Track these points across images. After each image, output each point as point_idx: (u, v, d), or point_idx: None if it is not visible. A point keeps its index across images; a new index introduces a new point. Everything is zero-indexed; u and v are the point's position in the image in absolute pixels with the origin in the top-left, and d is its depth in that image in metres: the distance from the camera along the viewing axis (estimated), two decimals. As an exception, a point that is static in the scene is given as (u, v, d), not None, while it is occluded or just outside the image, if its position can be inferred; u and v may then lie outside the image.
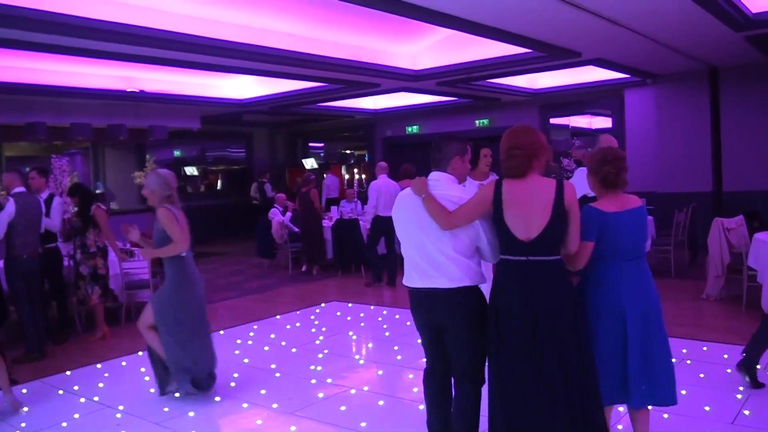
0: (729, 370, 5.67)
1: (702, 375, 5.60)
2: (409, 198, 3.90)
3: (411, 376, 5.96)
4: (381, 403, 5.32)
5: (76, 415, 5.37)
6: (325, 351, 6.93)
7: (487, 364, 3.75)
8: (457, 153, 3.94)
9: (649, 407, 3.92)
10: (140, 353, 6.92)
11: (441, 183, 3.87)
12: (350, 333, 7.75)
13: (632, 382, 3.74)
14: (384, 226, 10.00)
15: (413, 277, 3.90)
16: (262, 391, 5.73)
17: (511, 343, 3.58)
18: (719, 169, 13.10)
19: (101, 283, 7.95)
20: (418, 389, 5.34)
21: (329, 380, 5.95)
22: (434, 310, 3.84)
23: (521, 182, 3.62)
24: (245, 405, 5.44)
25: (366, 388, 5.74)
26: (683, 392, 4.99)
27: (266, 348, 7.17)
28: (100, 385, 6.13)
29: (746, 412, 4.77)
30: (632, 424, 3.95)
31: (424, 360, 4.10)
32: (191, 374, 5.49)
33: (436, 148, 3.97)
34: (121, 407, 5.49)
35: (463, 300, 3.77)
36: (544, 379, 3.49)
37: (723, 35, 9.70)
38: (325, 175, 18.96)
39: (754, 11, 9.08)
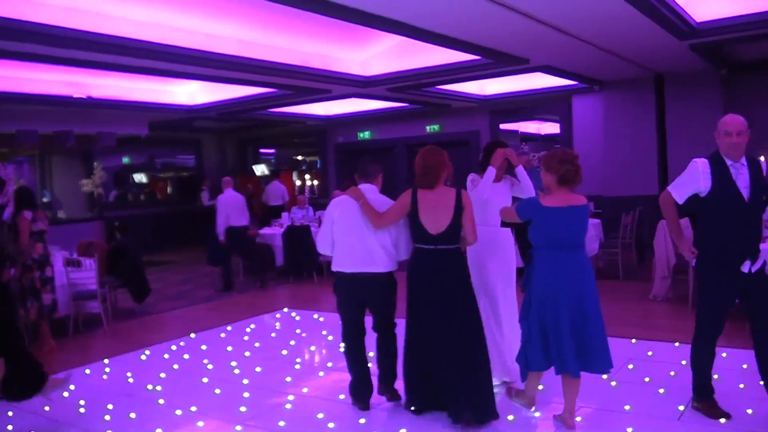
0: (672, 373, 5.78)
1: (647, 377, 5.70)
2: (350, 202, 5.10)
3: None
4: (321, 416, 5.28)
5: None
6: (279, 355, 6.89)
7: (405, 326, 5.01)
8: (380, 171, 5.37)
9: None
10: (87, 371, 6.78)
11: (371, 192, 5.17)
12: (299, 340, 7.71)
13: (568, 355, 4.43)
14: (237, 236, 10.85)
15: (347, 264, 5.12)
16: (243, 408, 5.65)
17: (423, 310, 4.86)
18: (665, 173, 13.38)
19: (38, 297, 7.64)
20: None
21: (278, 387, 5.92)
22: (364, 289, 5.13)
23: (432, 192, 4.89)
24: (193, 409, 5.38)
25: (307, 392, 5.73)
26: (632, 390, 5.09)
27: (205, 360, 7.08)
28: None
29: (680, 408, 4.88)
30: (563, 389, 4.65)
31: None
32: None
33: (364, 168, 5.33)
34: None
35: (387, 281, 5.13)
36: (445, 339, 4.76)
37: (668, 44, 9.92)
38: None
39: (698, 21, 9.31)
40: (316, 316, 8.89)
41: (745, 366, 5.81)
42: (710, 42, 9.98)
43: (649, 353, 6.40)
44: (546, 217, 4.47)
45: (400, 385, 5.24)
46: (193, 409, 5.44)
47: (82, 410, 5.59)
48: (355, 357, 5.28)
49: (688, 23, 9.07)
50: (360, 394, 5.27)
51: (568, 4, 7.80)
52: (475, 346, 4.78)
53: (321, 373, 6.34)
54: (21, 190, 7.55)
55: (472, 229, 4.87)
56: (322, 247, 5.34)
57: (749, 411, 4.78)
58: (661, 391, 5.33)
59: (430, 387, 4.91)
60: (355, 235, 5.06)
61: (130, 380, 6.35)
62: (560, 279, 4.45)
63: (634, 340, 6.79)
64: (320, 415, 5.12)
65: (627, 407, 4.99)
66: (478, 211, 5.16)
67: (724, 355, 6.03)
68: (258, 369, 6.51)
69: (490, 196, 5.38)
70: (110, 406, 5.61)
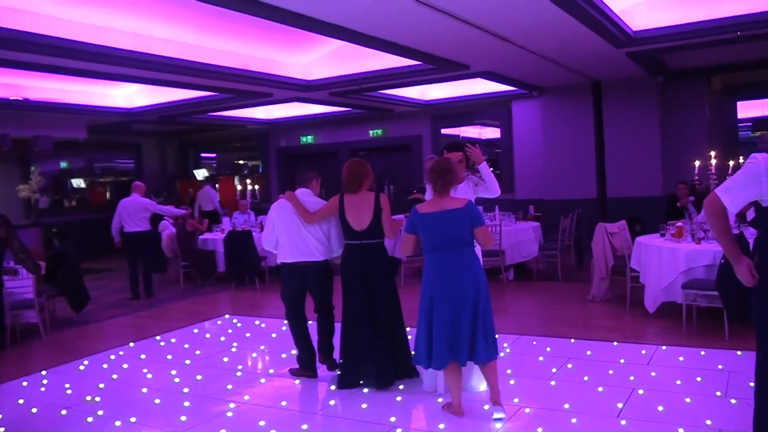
0: (611, 371, 5.91)
1: (586, 376, 5.80)
2: (285, 204, 6.13)
3: (297, 381, 6.04)
4: (263, 423, 5.25)
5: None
6: (220, 363, 6.83)
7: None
8: (314, 177, 6.34)
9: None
10: (25, 383, 6.61)
11: (307, 195, 6.20)
12: (240, 347, 7.64)
13: (462, 345, 4.81)
14: (133, 242, 10.88)
15: (288, 255, 6.14)
16: (183, 418, 5.56)
17: (354, 294, 5.79)
18: (603, 176, 13.67)
19: None
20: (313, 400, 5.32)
21: (219, 395, 5.86)
22: (305, 275, 6.14)
23: (356, 195, 5.81)
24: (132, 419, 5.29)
25: (248, 399, 5.70)
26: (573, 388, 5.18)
27: (145, 369, 6.97)
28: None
29: (619, 406, 4.98)
30: (485, 376, 5.01)
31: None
32: None
33: (301, 175, 6.37)
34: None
35: (323, 268, 6.17)
36: (373, 320, 5.74)
37: (605, 51, 10.16)
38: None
39: (634, 29, 9.56)
40: (257, 322, 8.81)
41: (681, 358, 6.03)
42: (646, 50, 10.27)
43: (588, 353, 6.52)
44: (423, 223, 4.93)
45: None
46: (133, 419, 5.34)
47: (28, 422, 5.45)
48: (299, 335, 6.25)
49: (625, 32, 9.31)
50: (307, 364, 6.25)
51: (506, 12, 7.93)
52: (396, 321, 5.89)
53: (263, 380, 6.27)
54: None
55: (389, 227, 5.82)
56: (268, 245, 6.37)
57: (687, 400, 4.91)
58: (600, 389, 5.44)
59: (359, 358, 5.80)
60: (294, 231, 6.11)
61: (69, 392, 6.19)
62: (441, 278, 4.87)
63: (573, 340, 6.92)
64: (262, 423, 5.08)
65: (566, 406, 5.08)
66: None
67: (663, 347, 6.21)
68: (198, 377, 6.42)
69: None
70: (48, 420, 5.47)
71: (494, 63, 11.02)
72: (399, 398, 5.48)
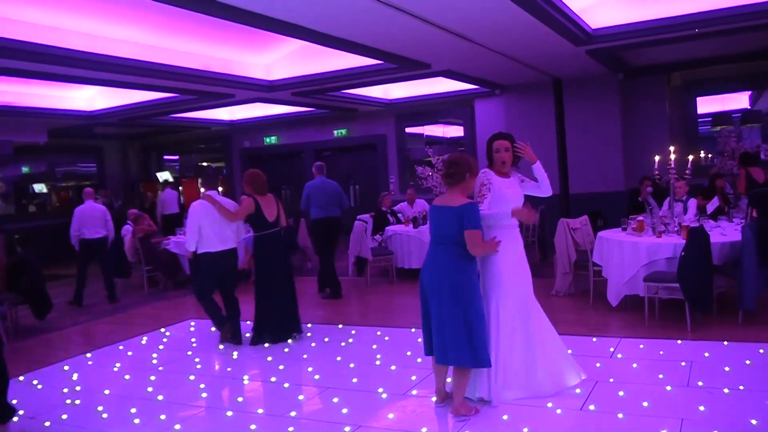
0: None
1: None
2: (207, 204, 7.40)
3: (246, 381, 5.94)
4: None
5: None
6: (177, 369, 6.76)
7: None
8: (219, 179, 8.02)
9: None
10: None
11: (216, 195, 7.59)
12: (205, 352, 7.59)
13: (435, 342, 4.88)
14: (92, 249, 10.90)
15: (213, 245, 7.41)
16: (136, 420, 5.49)
17: (268, 272, 7.46)
18: (565, 173, 13.79)
19: None
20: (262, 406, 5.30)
21: (186, 401, 5.80)
22: (225, 262, 7.55)
23: (265, 197, 7.51)
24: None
25: (210, 404, 5.64)
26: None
27: (105, 374, 6.89)
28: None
29: (583, 397, 5.03)
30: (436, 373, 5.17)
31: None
32: None
33: (209, 178, 8.25)
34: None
35: (236, 254, 7.70)
36: (284, 292, 7.50)
37: (565, 49, 10.25)
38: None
39: (593, 27, 9.66)
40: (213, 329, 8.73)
41: (660, 352, 6.18)
42: (606, 48, 10.38)
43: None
44: (430, 214, 5.10)
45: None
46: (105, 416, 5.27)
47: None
48: (214, 310, 7.63)
49: (584, 30, 9.40)
50: (223, 326, 7.60)
51: (466, 11, 7.96)
52: (294, 289, 7.69)
53: (224, 389, 6.23)
54: None
55: (284, 218, 7.78)
56: (191, 245, 7.46)
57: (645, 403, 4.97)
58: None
59: (278, 322, 7.46)
60: (218, 226, 7.46)
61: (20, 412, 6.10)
62: (424, 268, 4.97)
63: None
64: None
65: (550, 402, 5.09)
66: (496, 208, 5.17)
67: (641, 346, 6.31)
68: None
69: (504, 193, 5.24)
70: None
71: (455, 62, 11.06)
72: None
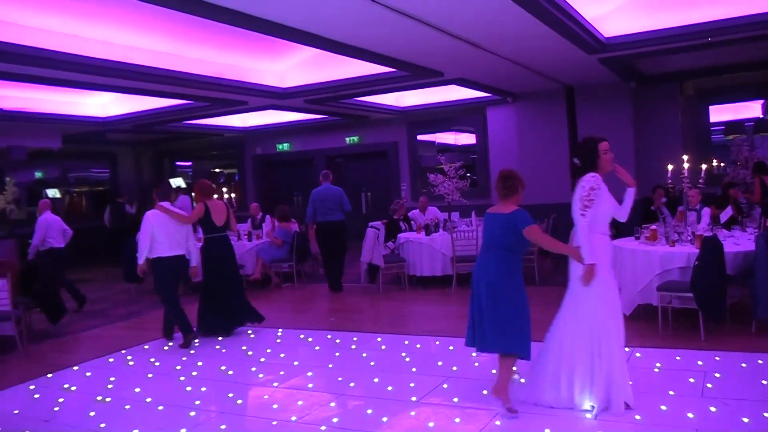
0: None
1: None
2: (160, 213, 8.01)
3: (266, 396, 5.96)
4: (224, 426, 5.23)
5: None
6: (194, 374, 6.79)
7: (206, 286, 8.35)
8: (171, 191, 8.72)
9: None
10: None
11: (168, 205, 8.19)
12: (216, 358, 7.61)
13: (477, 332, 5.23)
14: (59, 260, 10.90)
15: (166, 250, 7.96)
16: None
17: (215, 271, 8.29)
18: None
19: None
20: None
21: (199, 405, 5.83)
22: (177, 265, 8.08)
23: (213, 201, 8.33)
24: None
25: (232, 412, 5.66)
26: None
27: (118, 379, 6.92)
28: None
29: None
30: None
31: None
32: None
33: (164, 190, 8.45)
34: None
35: (184, 260, 8.17)
36: (229, 290, 8.35)
37: (578, 58, 10.26)
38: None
39: (606, 36, 9.65)
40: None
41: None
42: (618, 56, 10.38)
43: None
44: (484, 221, 5.44)
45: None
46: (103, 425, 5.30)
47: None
48: (178, 311, 8.09)
49: (597, 38, 9.40)
50: (189, 332, 8.02)
51: (479, 20, 7.98)
52: (241, 287, 8.65)
53: (230, 395, 6.24)
54: None
55: (234, 223, 8.77)
56: (142, 256, 7.92)
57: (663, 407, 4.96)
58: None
59: (224, 317, 8.34)
60: (171, 232, 8.02)
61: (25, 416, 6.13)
62: (479, 268, 5.31)
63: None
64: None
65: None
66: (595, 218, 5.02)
67: (638, 355, 6.28)
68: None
69: (610, 199, 5.10)
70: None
71: (468, 70, 11.08)
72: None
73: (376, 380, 6.14)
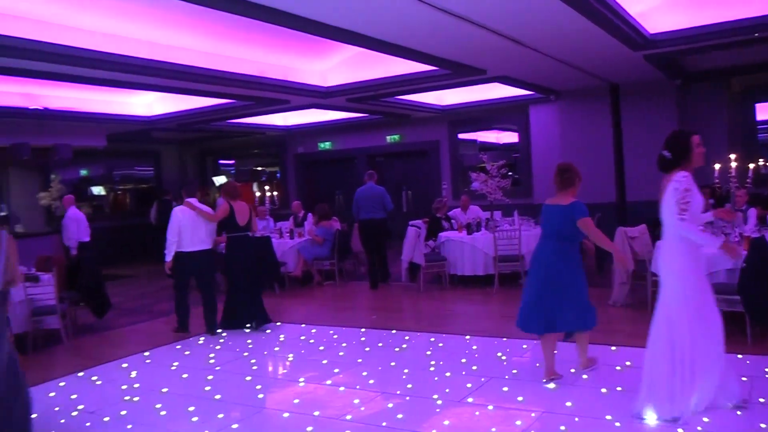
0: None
1: (612, 382, 5.77)
2: (187, 210, 8.54)
3: (301, 381, 5.98)
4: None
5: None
6: (237, 370, 6.86)
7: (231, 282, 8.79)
8: (197, 189, 9.12)
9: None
10: (60, 384, 6.66)
11: (195, 202, 8.64)
12: (258, 353, 7.68)
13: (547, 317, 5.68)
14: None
15: (189, 246, 8.46)
16: (194, 419, 5.61)
17: (236, 269, 8.67)
18: (622, 180, 13.60)
19: None
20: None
21: (241, 401, 5.88)
22: (199, 260, 8.57)
23: (237, 202, 8.65)
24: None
25: (274, 408, 5.71)
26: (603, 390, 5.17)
27: (162, 373, 7.02)
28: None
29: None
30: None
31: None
32: None
33: (189, 188, 9.00)
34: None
35: (210, 254, 8.79)
36: (252, 281, 8.73)
37: (623, 54, 10.11)
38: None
39: (651, 32, 9.51)
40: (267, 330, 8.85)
41: None
42: (664, 53, 10.20)
43: (621, 366, 6.46)
44: (542, 212, 5.98)
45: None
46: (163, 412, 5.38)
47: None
48: (184, 309, 8.74)
49: (642, 34, 9.27)
50: (184, 329, 8.69)
51: (522, 16, 7.92)
52: (257, 285, 8.91)
53: (273, 390, 6.29)
54: None
55: (256, 224, 9.46)
56: (171, 253, 8.42)
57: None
58: (619, 388, 5.44)
59: (248, 313, 8.72)
60: (195, 228, 8.52)
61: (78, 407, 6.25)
62: (538, 255, 5.83)
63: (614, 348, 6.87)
64: None
65: (609, 417, 5.05)
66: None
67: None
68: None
69: (701, 200, 4.94)
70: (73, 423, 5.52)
71: (511, 67, 11.00)
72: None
73: (416, 379, 6.14)
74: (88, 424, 5.58)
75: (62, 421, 5.64)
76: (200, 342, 8.29)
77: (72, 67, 8.92)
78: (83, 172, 19.10)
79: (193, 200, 8.70)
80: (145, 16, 8.48)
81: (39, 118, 12.80)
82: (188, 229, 8.48)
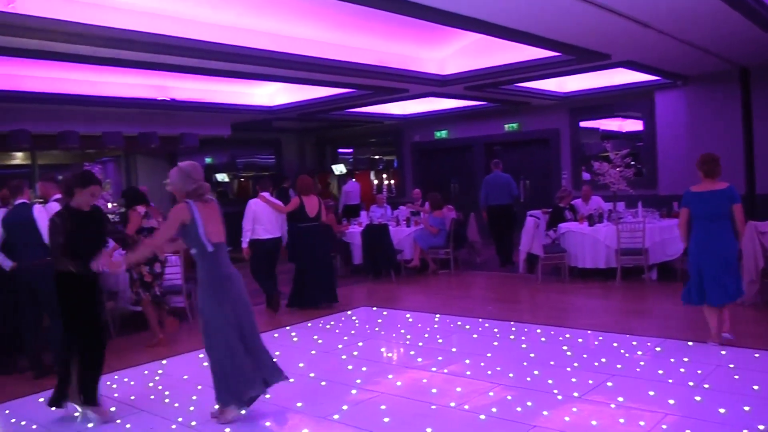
0: (756, 387, 5.57)
1: (737, 377, 5.53)
2: (260, 202, 9.53)
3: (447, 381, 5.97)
4: (387, 419, 5.27)
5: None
6: (355, 353, 6.94)
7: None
8: (270, 185, 10.07)
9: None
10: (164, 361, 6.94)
11: (268, 196, 9.61)
12: (374, 338, 7.74)
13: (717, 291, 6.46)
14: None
15: (264, 233, 9.47)
16: (299, 404, 5.73)
17: (304, 255, 9.63)
18: (752, 171, 12.88)
19: (151, 291, 7.91)
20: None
21: (359, 384, 5.95)
22: (271, 247, 9.66)
23: (307, 197, 9.61)
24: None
25: (392, 393, 5.73)
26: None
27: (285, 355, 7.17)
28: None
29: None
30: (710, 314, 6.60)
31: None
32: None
33: (264, 182, 9.98)
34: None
35: (279, 242, 9.74)
36: (316, 271, 9.70)
37: (753, 35, 9.54)
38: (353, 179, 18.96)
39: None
40: (384, 313, 8.89)
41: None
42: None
43: (731, 366, 6.16)
44: (693, 199, 6.62)
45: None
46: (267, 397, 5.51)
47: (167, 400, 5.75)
48: (268, 285, 9.72)
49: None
50: (272, 299, 9.72)
51: (652, -1, 7.60)
52: (329, 268, 9.96)
53: (390, 376, 6.31)
54: (132, 189, 8.97)
55: (324, 215, 9.93)
56: (246, 240, 9.43)
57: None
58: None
59: (308, 294, 9.64)
60: (268, 218, 9.47)
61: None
62: (703, 239, 6.51)
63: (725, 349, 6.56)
64: (386, 419, 5.13)
65: (722, 410, 4.84)
66: None
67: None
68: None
69: None
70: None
71: (637, 51, 10.59)
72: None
73: (535, 372, 6.04)
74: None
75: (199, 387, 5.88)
76: (328, 326, 8.44)
77: (199, 60, 9.23)
78: (208, 160, 19.82)
79: (266, 194, 9.65)
80: (268, 9, 8.66)
81: (167, 108, 13.37)
82: (262, 219, 9.45)
